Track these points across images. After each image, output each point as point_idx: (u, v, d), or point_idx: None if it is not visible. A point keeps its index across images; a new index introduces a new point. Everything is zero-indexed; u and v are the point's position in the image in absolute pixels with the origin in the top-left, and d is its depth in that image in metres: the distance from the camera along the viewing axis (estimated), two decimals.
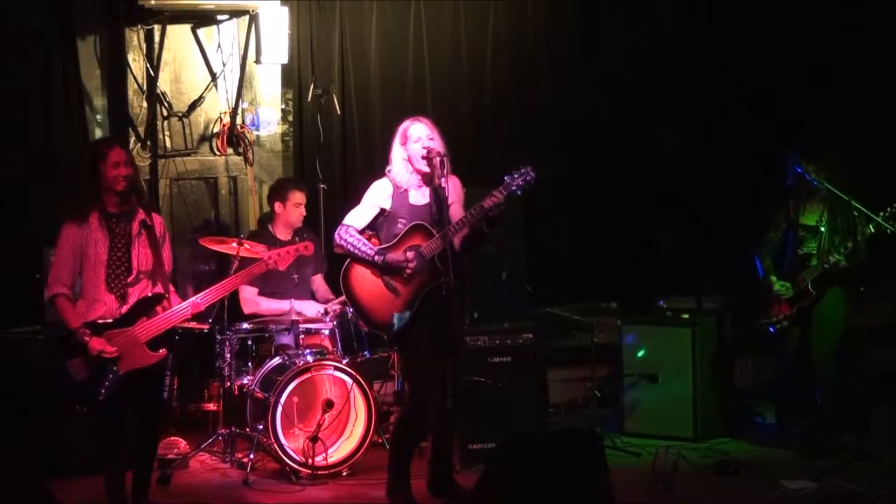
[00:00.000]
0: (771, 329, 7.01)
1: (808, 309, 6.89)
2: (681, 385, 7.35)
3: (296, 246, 6.43)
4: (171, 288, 5.83)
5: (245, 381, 6.94)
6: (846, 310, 6.93)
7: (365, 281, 5.93)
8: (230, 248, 6.86)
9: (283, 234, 7.38)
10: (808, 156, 6.91)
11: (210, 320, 6.82)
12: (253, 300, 7.26)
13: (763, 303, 7.05)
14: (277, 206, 7.40)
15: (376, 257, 5.87)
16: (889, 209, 6.64)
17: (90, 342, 5.54)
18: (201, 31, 8.06)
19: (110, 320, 5.66)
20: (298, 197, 7.37)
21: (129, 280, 5.72)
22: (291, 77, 8.32)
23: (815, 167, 6.86)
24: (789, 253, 7.05)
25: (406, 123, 6.00)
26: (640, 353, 7.50)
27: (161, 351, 5.70)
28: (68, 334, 5.61)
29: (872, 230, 6.67)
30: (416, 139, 5.92)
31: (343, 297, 6.21)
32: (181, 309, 5.75)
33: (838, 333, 6.92)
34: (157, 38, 7.82)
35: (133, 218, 5.78)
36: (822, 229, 6.89)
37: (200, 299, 5.83)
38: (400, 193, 5.97)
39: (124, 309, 5.68)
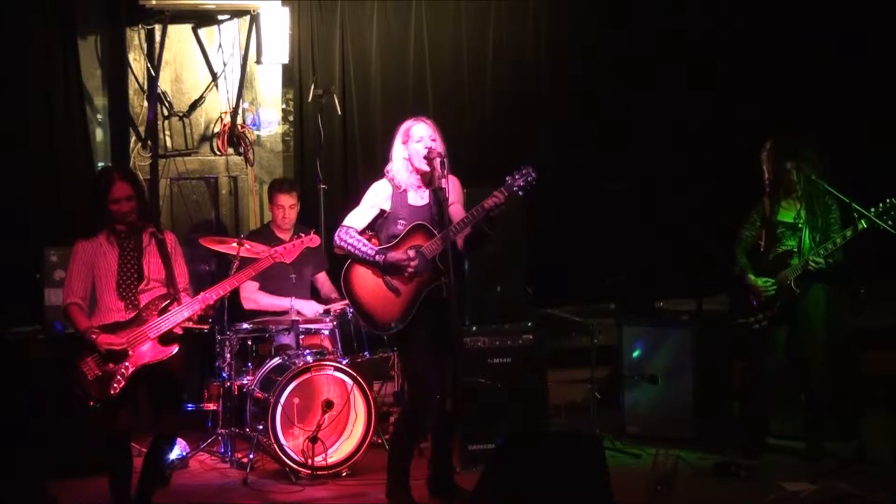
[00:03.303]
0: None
1: (790, 308, 6.85)
2: (680, 387, 7.36)
3: (301, 239, 6.43)
4: (186, 298, 5.86)
5: (245, 382, 6.94)
6: (828, 307, 6.88)
7: (366, 282, 5.93)
8: (230, 248, 6.86)
9: (281, 233, 7.39)
10: (788, 152, 6.81)
11: (210, 320, 6.81)
12: (253, 296, 7.26)
13: (739, 302, 6.95)
14: (269, 206, 7.48)
15: (377, 257, 5.87)
16: (881, 205, 6.61)
17: (98, 338, 5.61)
18: (202, 31, 8.07)
19: (122, 321, 5.73)
20: (280, 199, 7.38)
21: (140, 287, 5.78)
22: (292, 77, 8.33)
23: (794, 163, 6.77)
24: (764, 250, 6.95)
25: (408, 123, 6.00)
26: (636, 353, 7.50)
27: (173, 346, 5.73)
28: (79, 336, 5.69)
29: (865, 226, 6.61)
30: (418, 139, 5.92)
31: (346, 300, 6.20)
32: (191, 304, 5.78)
33: (825, 331, 6.87)
34: (157, 38, 7.83)
35: (143, 231, 5.86)
36: (802, 226, 6.82)
37: (209, 295, 5.84)
38: (399, 194, 5.97)
39: (134, 313, 5.73)
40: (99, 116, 7.99)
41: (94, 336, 5.62)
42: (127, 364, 5.64)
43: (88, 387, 5.62)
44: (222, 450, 7.03)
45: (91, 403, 5.63)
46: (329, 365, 6.72)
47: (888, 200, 6.58)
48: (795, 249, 6.82)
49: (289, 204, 7.38)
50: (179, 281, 5.88)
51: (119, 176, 5.81)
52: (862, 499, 6.00)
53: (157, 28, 7.83)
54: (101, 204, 5.76)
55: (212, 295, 5.86)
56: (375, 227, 6.07)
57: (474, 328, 6.91)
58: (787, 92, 8.92)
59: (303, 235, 6.52)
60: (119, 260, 5.77)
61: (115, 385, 5.61)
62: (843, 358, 7.11)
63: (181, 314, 5.75)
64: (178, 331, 5.80)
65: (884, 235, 6.61)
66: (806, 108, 8.70)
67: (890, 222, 6.52)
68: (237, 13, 8.00)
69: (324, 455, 6.59)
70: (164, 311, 5.74)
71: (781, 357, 6.91)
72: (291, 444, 6.67)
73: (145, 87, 7.92)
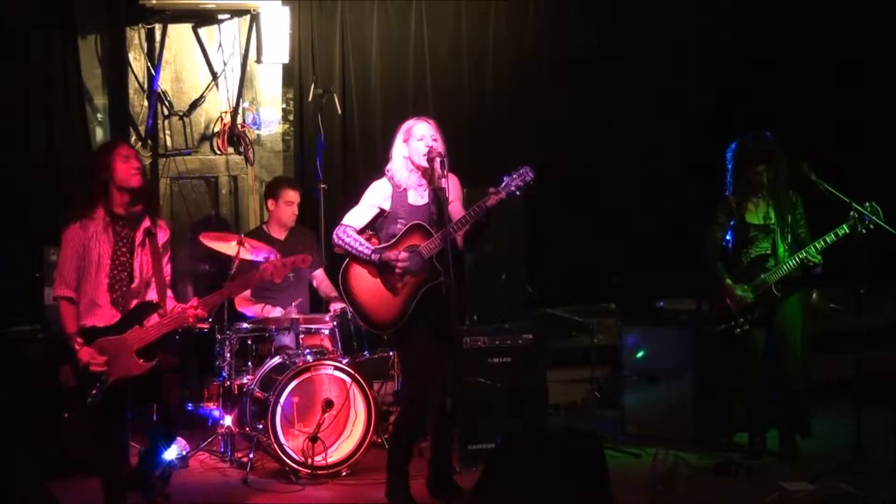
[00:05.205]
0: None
1: (770, 312, 6.81)
2: (681, 386, 7.35)
3: (293, 258, 6.36)
4: (170, 294, 5.75)
5: (245, 381, 6.94)
6: (803, 311, 6.89)
7: (363, 281, 5.93)
8: (230, 247, 6.87)
9: (277, 232, 7.40)
10: (758, 152, 6.78)
11: (210, 320, 6.81)
12: (245, 298, 7.26)
13: (716, 306, 6.94)
14: (270, 203, 7.44)
15: (373, 256, 5.88)
16: (861, 208, 6.60)
17: (80, 351, 5.47)
18: (202, 31, 8.08)
19: (104, 325, 5.58)
20: (290, 195, 7.38)
21: (130, 287, 5.65)
22: (292, 76, 8.33)
23: (765, 165, 6.75)
24: (733, 254, 6.90)
25: (411, 122, 6.00)
26: (640, 354, 7.51)
27: (152, 361, 5.56)
28: (64, 339, 5.55)
29: (848, 229, 6.58)
30: (419, 137, 5.92)
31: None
32: (178, 319, 5.62)
33: (801, 335, 6.86)
34: (157, 38, 7.84)
35: (138, 225, 5.71)
36: (773, 228, 6.80)
37: (196, 309, 5.65)
38: (399, 193, 5.97)
39: (120, 315, 5.60)
40: (99, 116, 7.99)
41: (76, 348, 5.46)
42: (104, 378, 5.47)
43: (64, 396, 5.50)
44: (222, 449, 7.03)
45: (65, 414, 5.54)
46: (329, 364, 6.72)
47: (868, 204, 6.58)
48: (769, 252, 6.82)
49: (297, 200, 7.39)
50: (165, 274, 5.74)
51: (123, 140, 5.72)
52: (862, 499, 6.00)
53: (158, 27, 7.83)
54: (109, 167, 5.56)
55: (200, 310, 5.67)
56: (376, 227, 6.08)
57: (474, 328, 6.91)
58: (787, 92, 8.95)
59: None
60: (112, 255, 5.62)
61: (90, 399, 5.44)
62: (808, 359, 7.10)
63: (167, 327, 5.59)
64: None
65: (881, 235, 6.63)
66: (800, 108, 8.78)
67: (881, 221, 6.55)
68: (237, 13, 8.01)
69: (324, 454, 6.59)
70: (147, 321, 5.58)
71: (761, 359, 6.89)
72: (291, 443, 6.67)
73: (145, 86, 7.92)
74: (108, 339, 5.54)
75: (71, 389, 5.50)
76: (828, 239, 6.65)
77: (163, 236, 5.81)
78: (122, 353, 5.52)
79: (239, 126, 8.15)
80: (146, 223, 5.73)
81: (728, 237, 6.94)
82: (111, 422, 5.61)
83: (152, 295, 5.71)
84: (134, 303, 5.65)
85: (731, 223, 6.89)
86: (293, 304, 7.12)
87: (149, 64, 7.89)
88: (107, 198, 5.64)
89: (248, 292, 7.25)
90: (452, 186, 5.97)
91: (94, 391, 5.46)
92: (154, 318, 5.63)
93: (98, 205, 5.64)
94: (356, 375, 6.69)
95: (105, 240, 5.63)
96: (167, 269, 5.83)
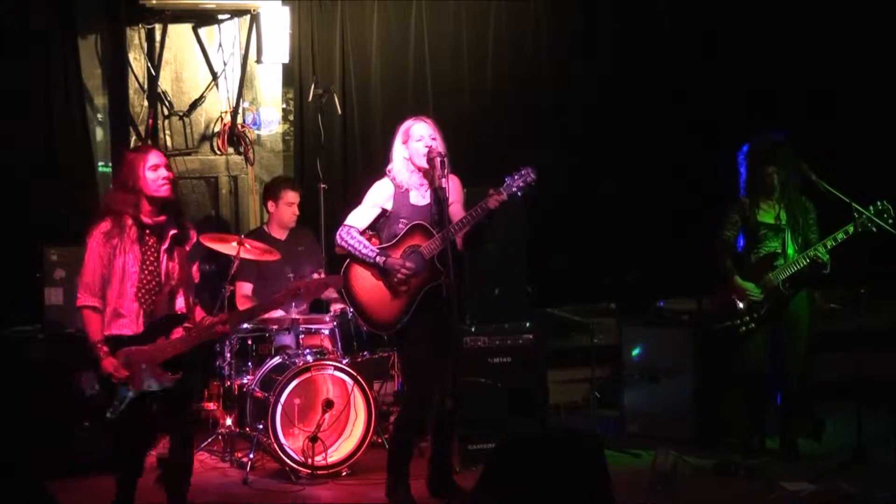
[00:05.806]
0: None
1: (777, 311, 6.82)
2: (680, 387, 7.36)
3: (324, 281, 6.31)
4: (196, 304, 5.66)
5: (245, 381, 6.94)
6: (810, 310, 6.88)
7: (365, 281, 5.93)
8: (230, 247, 6.88)
9: (277, 233, 7.40)
10: (767, 155, 6.79)
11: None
12: (246, 296, 7.27)
13: (723, 304, 6.93)
14: (270, 204, 7.43)
15: (378, 258, 5.88)
16: (872, 208, 6.59)
17: (104, 361, 5.36)
18: (202, 31, 8.08)
19: (130, 334, 5.46)
20: (291, 196, 7.37)
21: (158, 295, 5.49)
22: (292, 76, 8.33)
23: (774, 168, 6.77)
24: (743, 252, 6.91)
25: (409, 122, 6.00)
26: (636, 352, 7.51)
27: (177, 374, 5.48)
28: (88, 345, 5.42)
29: (857, 229, 6.59)
30: (418, 138, 5.92)
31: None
32: (199, 333, 5.52)
33: (808, 335, 6.86)
34: (157, 38, 7.85)
35: (166, 232, 5.54)
36: (784, 228, 6.81)
37: (224, 325, 5.57)
38: (401, 193, 5.97)
39: (145, 324, 5.47)
40: (99, 116, 7.99)
41: (101, 356, 5.35)
42: (128, 389, 5.39)
43: (84, 403, 5.44)
44: (222, 449, 7.03)
45: (84, 423, 5.50)
46: (329, 364, 6.72)
47: (879, 203, 6.59)
48: (779, 251, 6.82)
49: (297, 201, 7.40)
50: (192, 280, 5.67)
51: (153, 146, 5.59)
52: (862, 499, 6.00)
53: (158, 27, 7.84)
54: (130, 179, 5.42)
55: (228, 327, 5.62)
56: (377, 227, 6.08)
57: (474, 328, 6.91)
58: (786, 92, 8.95)
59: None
60: (140, 263, 5.46)
61: (111, 410, 5.37)
62: (811, 360, 7.11)
63: (194, 341, 5.49)
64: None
65: (881, 236, 6.62)
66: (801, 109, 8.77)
67: (891, 221, 6.54)
68: (237, 13, 8.01)
69: (324, 454, 6.59)
70: (173, 333, 5.50)
71: (763, 358, 6.88)
72: (291, 443, 6.67)
73: (145, 86, 7.92)
74: (133, 350, 5.44)
75: (92, 397, 5.42)
76: (837, 237, 6.65)
77: (191, 242, 5.68)
78: (147, 365, 5.43)
79: (239, 126, 8.15)
80: (173, 230, 5.56)
81: (739, 238, 6.94)
82: (135, 432, 5.53)
83: (180, 303, 5.61)
84: (161, 307, 5.51)
85: (742, 225, 6.91)
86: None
87: (149, 64, 7.88)
88: (135, 206, 5.47)
89: (249, 291, 7.25)
90: (453, 187, 5.96)
91: (116, 402, 5.39)
92: (180, 330, 5.53)
93: (126, 213, 5.48)
94: (356, 375, 6.69)
95: (132, 249, 5.47)
96: (194, 272, 5.71)
